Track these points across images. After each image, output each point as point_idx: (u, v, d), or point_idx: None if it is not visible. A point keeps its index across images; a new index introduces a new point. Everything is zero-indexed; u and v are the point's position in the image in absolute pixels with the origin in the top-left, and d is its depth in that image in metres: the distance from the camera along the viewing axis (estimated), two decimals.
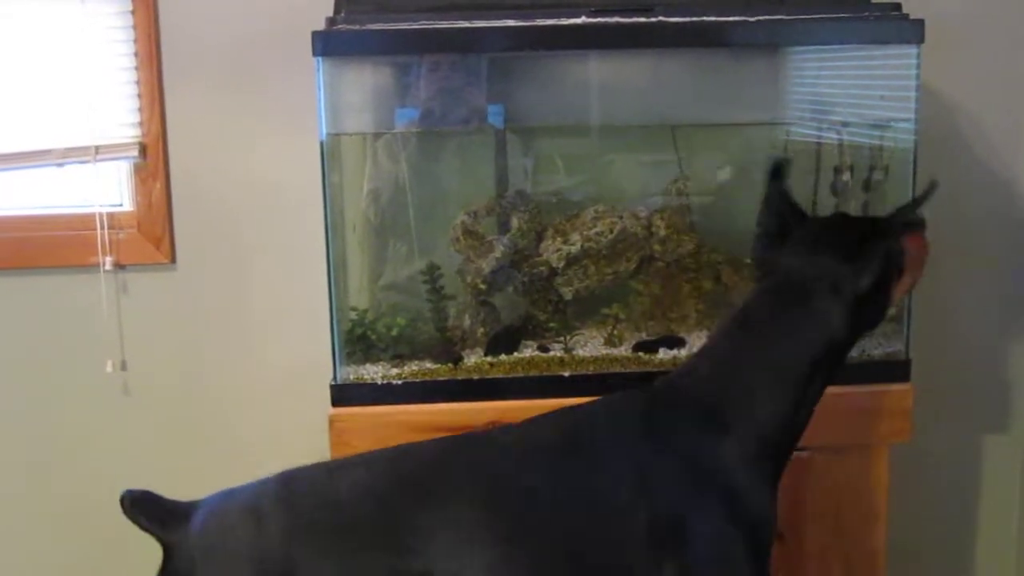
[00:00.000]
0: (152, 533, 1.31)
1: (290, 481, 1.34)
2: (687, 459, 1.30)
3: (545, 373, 1.78)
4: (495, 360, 1.80)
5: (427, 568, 1.25)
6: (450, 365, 1.79)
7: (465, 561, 1.25)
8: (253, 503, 1.31)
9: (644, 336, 1.86)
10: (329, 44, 1.68)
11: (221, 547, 1.27)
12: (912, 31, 1.72)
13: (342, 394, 1.75)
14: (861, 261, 1.33)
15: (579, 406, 1.41)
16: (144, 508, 1.32)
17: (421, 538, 1.26)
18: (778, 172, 1.45)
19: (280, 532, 1.27)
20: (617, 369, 1.79)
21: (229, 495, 1.35)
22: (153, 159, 2.09)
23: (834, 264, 1.34)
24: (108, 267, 2.10)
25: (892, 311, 1.52)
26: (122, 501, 1.32)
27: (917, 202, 1.36)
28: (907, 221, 1.37)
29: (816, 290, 1.33)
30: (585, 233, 1.84)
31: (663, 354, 1.81)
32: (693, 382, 1.36)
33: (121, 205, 2.15)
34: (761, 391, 1.32)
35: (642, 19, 1.70)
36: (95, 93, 2.05)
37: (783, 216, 1.44)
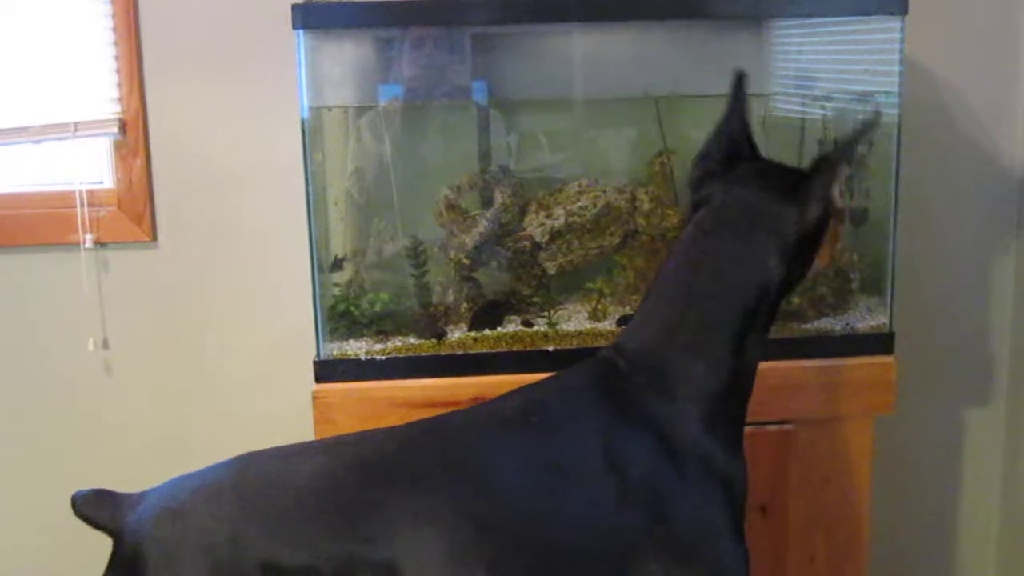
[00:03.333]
0: (100, 526, 1.29)
1: (245, 466, 1.31)
2: (648, 425, 1.28)
3: (529, 348, 1.78)
4: (479, 335, 1.80)
5: (391, 556, 1.21)
6: (434, 340, 1.79)
7: (429, 548, 1.22)
8: (204, 488, 1.28)
9: (628, 310, 1.85)
10: (309, 17, 1.67)
11: (169, 532, 1.23)
12: (896, 2, 1.71)
13: (325, 370, 1.74)
14: (804, 198, 1.29)
15: (536, 383, 1.39)
16: (90, 503, 1.30)
17: (383, 526, 1.23)
18: (741, 84, 1.40)
19: (230, 516, 1.23)
20: (601, 343, 1.78)
21: (181, 480, 1.31)
22: (133, 135, 2.07)
23: (778, 202, 1.30)
24: (88, 245, 2.08)
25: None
26: (72, 504, 1.31)
27: (855, 138, 1.32)
28: (846, 151, 1.32)
29: (759, 224, 1.30)
30: (569, 207, 1.84)
31: None
32: (637, 342, 1.33)
33: (101, 182, 2.13)
34: (697, 349, 1.29)
35: None
36: (73, 69, 2.03)
37: (735, 142, 1.39)
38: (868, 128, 1.31)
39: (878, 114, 1.30)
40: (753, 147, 1.41)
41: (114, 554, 1.27)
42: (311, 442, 1.39)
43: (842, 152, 1.31)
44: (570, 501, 1.26)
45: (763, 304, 1.31)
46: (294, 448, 1.36)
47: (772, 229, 1.30)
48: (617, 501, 1.25)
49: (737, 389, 1.33)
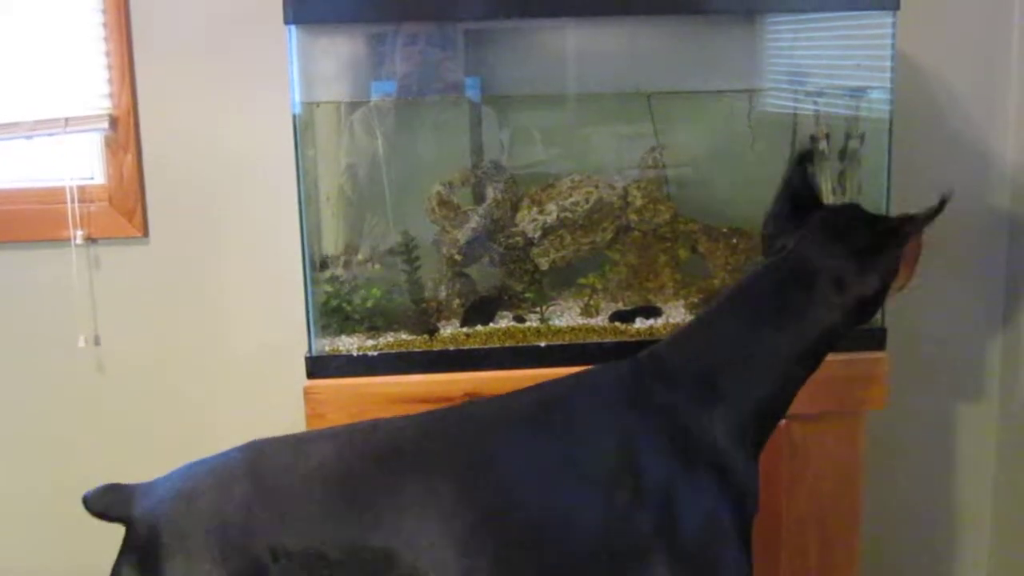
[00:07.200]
0: (114, 518, 1.30)
1: (257, 452, 1.32)
2: (674, 431, 1.30)
3: (521, 344, 1.77)
4: (471, 331, 1.80)
5: (388, 543, 1.23)
6: (426, 336, 1.79)
7: (434, 537, 1.23)
8: (217, 472, 1.30)
9: (620, 306, 1.85)
10: (300, 11, 1.67)
11: (182, 515, 1.25)
12: None
13: (317, 366, 1.74)
14: (870, 264, 1.32)
15: (559, 379, 1.40)
16: (102, 499, 1.31)
17: (387, 513, 1.24)
18: (803, 159, 1.44)
19: (241, 500, 1.25)
20: (593, 339, 1.78)
21: (193, 465, 1.33)
22: (124, 131, 2.06)
23: (843, 260, 1.33)
24: (79, 241, 2.08)
25: None
26: (85, 503, 1.31)
27: (934, 212, 1.34)
28: (917, 227, 1.35)
29: (821, 282, 1.32)
30: (561, 203, 1.84)
31: (639, 324, 1.81)
32: (687, 352, 1.35)
33: (92, 178, 2.13)
34: (754, 367, 1.32)
35: None
36: (64, 64, 2.02)
37: (798, 199, 1.42)
38: (942, 206, 1.33)
39: (950, 192, 1.33)
40: (816, 198, 1.44)
41: (127, 538, 1.28)
42: (324, 429, 1.40)
43: (912, 227, 1.34)
44: (581, 499, 1.27)
45: (821, 345, 1.35)
46: (307, 435, 1.38)
47: (836, 284, 1.32)
48: (630, 502, 1.26)
49: (774, 411, 1.36)
